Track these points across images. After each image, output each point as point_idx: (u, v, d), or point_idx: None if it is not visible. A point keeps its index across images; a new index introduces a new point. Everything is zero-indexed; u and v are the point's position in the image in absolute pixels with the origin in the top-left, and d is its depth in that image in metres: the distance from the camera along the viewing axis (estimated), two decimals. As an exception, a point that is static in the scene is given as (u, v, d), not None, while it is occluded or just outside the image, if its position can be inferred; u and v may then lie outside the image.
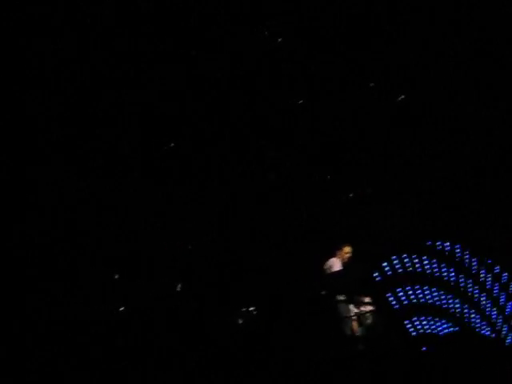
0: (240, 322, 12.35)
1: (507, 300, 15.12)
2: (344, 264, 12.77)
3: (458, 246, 14.94)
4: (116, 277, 12.09)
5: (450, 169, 14.64)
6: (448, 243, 14.91)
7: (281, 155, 13.63)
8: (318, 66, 13.36)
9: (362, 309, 12.86)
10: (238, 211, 13.34)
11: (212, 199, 13.15)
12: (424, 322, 14.36)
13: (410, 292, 14.40)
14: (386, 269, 14.22)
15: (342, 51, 13.37)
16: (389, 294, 14.15)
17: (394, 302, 14.22)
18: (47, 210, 11.89)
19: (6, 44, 11.53)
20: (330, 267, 12.70)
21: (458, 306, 14.79)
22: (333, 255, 12.80)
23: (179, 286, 12.45)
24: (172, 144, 12.80)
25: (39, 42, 11.67)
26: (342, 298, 12.74)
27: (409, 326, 14.22)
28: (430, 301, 14.62)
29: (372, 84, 13.81)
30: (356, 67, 13.57)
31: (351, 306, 12.83)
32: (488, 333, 14.81)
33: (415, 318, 14.26)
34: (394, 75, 13.86)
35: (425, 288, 14.54)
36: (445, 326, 14.55)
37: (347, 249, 12.80)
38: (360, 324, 12.75)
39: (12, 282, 11.29)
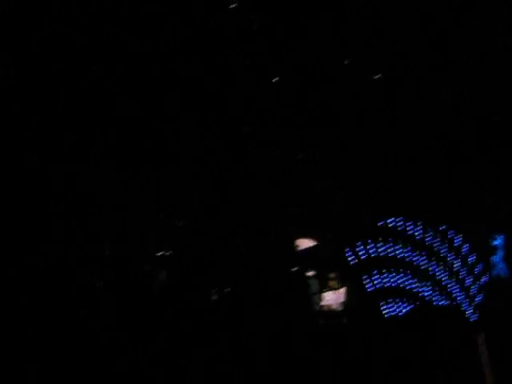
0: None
1: (468, 274, 15.52)
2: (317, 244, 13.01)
3: (428, 229, 15.25)
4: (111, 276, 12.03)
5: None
6: (410, 224, 15.20)
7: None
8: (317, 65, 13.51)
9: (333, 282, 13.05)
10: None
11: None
12: (394, 303, 14.70)
13: (385, 275, 14.64)
14: (359, 249, 14.36)
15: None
16: (363, 276, 14.33)
17: (368, 285, 14.35)
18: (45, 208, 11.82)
19: (6, 44, 11.40)
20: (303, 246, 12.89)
21: (426, 289, 15.17)
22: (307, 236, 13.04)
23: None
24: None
25: (39, 41, 11.56)
26: (312, 274, 12.98)
27: (383, 307, 14.44)
28: (402, 284, 14.88)
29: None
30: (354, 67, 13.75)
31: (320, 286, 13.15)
32: (455, 313, 15.21)
33: (389, 300, 14.57)
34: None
35: (398, 273, 14.84)
36: (407, 305, 14.90)
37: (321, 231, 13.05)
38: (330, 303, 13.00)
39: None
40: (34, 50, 11.59)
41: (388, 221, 14.71)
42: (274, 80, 13.62)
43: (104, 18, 11.78)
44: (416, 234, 15.12)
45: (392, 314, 14.40)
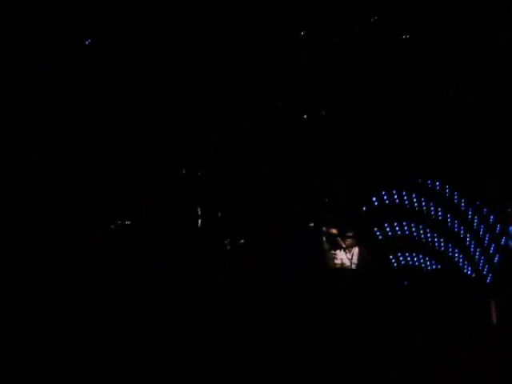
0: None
1: (490, 241, 15.52)
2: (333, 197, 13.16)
3: (447, 186, 15.24)
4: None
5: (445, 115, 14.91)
6: (438, 183, 15.17)
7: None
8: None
9: (348, 240, 13.16)
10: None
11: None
12: (408, 257, 14.61)
13: (396, 226, 14.60)
14: (374, 200, 14.50)
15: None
16: (375, 227, 14.45)
17: (378, 234, 14.49)
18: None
19: (6, 44, 11.43)
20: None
21: (442, 243, 15.10)
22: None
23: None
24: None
25: (39, 41, 11.59)
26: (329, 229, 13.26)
27: (392, 259, 14.55)
28: (416, 236, 14.86)
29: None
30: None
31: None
32: (470, 271, 15.22)
33: (399, 252, 14.50)
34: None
35: (411, 223, 14.75)
36: (428, 262, 14.85)
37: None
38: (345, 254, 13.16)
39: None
40: (34, 49, 11.59)
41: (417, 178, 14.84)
42: (275, 76, 13.64)
43: (104, 18, 11.78)
44: (445, 194, 15.18)
45: (403, 263, 14.43)
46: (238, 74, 13.24)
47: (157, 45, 12.17)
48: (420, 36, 14.13)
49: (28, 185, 11.60)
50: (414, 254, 14.78)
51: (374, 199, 14.46)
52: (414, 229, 14.86)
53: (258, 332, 11.88)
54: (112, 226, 12.08)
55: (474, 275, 15.21)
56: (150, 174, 12.37)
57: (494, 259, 15.59)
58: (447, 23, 14.07)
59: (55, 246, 11.58)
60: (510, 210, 15.54)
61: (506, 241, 15.55)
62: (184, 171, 12.74)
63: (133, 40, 12.05)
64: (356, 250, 13.41)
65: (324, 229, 13.52)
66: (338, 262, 13.28)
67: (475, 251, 15.56)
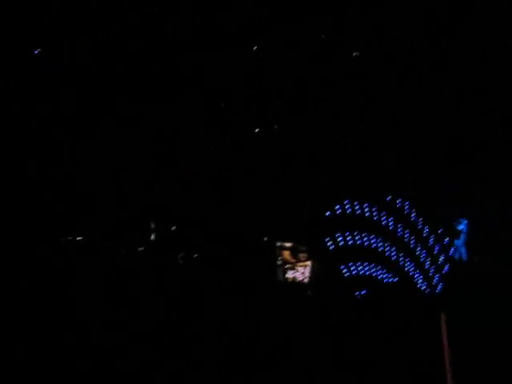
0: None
1: (440, 251, 15.63)
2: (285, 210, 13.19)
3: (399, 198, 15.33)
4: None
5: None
6: (390, 195, 15.26)
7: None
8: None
9: (301, 255, 13.23)
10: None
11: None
12: (359, 267, 14.64)
13: (348, 236, 14.65)
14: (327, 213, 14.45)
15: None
16: (326, 237, 14.41)
17: (329, 244, 14.41)
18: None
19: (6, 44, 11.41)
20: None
21: (394, 253, 15.17)
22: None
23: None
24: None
25: (39, 41, 11.58)
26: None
27: (344, 269, 14.51)
28: (366, 244, 14.89)
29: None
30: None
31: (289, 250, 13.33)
32: (420, 280, 15.30)
33: (351, 262, 14.53)
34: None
35: (363, 234, 14.80)
36: (379, 271, 14.92)
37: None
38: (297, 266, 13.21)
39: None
40: (35, 49, 11.59)
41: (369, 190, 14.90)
42: (275, 76, 13.65)
43: (104, 18, 11.77)
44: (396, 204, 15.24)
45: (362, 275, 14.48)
46: (238, 73, 13.23)
47: (157, 45, 12.15)
48: (420, 36, 14.11)
49: (28, 185, 11.60)
50: (365, 264, 14.84)
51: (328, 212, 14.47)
52: (365, 239, 14.95)
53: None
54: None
55: (424, 284, 15.33)
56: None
57: (443, 269, 15.75)
58: (447, 23, 14.07)
59: (55, 246, 11.61)
60: (454, 223, 15.69)
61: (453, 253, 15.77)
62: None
63: (133, 40, 12.02)
64: (309, 264, 13.42)
65: (278, 243, 13.52)
66: (289, 276, 13.25)
67: (426, 260, 15.72)
